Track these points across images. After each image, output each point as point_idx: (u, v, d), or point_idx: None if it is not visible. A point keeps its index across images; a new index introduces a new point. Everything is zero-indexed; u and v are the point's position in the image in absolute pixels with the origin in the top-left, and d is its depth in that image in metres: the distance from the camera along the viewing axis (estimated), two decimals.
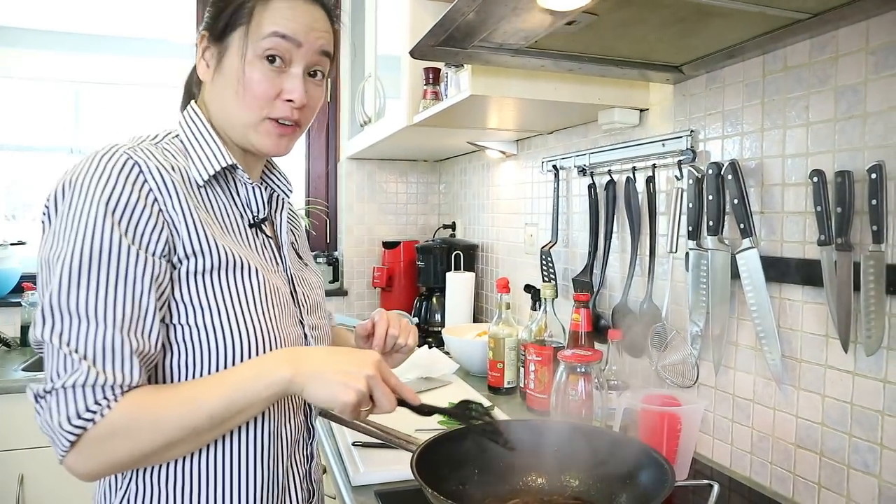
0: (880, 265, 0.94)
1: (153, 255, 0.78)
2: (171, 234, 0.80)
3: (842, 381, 1.04)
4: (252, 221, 0.94)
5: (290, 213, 1.09)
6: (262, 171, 1.03)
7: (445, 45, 1.14)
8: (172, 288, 0.81)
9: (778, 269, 1.14)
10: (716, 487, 0.96)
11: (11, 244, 2.64)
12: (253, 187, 0.94)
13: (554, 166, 1.86)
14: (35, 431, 2.01)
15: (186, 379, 0.82)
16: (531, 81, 1.41)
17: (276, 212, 1.00)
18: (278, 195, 1.02)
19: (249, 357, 0.83)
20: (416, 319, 2.42)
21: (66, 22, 2.92)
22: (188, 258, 0.81)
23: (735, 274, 1.20)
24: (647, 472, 0.96)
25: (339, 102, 3.04)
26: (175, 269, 0.80)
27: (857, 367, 1.01)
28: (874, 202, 0.94)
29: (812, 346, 1.09)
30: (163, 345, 0.80)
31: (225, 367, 0.82)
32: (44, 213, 0.79)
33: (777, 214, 1.15)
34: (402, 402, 0.87)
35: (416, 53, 1.19)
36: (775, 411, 1.17)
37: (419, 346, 2.11)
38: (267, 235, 0.96)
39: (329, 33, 0.92)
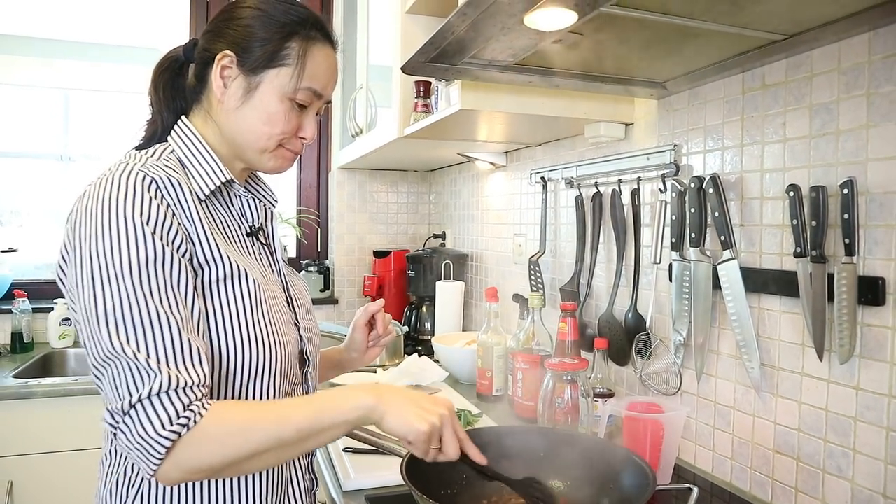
0: (852, 277, 0.98)
1: (187, 261, 0.83)
2: (190, 245, 0.84)
3: (817, 388, 1.08)
4: (249, 231, 0.99)
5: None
6: (246, 182, 1.06)
7: (436, 61, 1.18)
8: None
9: (757, 280, 1.18)
10: (695, 491, 0.99)
11: (3, 251, 2.64)
12: (247, 199, 1.00)
13: (542, 178, 1.90)
14: (25, 438, 2.03)
15: None
16: (519, 96, 1.44)
17: (266, 220, 1.04)
18: (265, 205, 1.05)
19: (256, 360, 0.88)
20: (405, 328, 2.45)
21: (56, 29, 2.94)
22: (202, 268, 0.86)
23: (716, 284, 1.24)
24: (629, 477, 0.99)
25: (330, 113, 3.07)
26: (196, 277, 0.85)
27: (832, 375, 1.05)
28: (846, 216, 0.98)
29: (789, 355, 1.13)
30: None
31: (235, 371, 0.86)
32: (69, 238, 0.81)
33: (756, 227, 1.19)
34: (465, 459, 0.90)
35: (407, 69, 1.22)
36: (755, 418, 1.20)
37: (409, 354, 2.14)
38: (262, 243, 1.01)
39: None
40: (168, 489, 0.86)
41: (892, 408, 0.96)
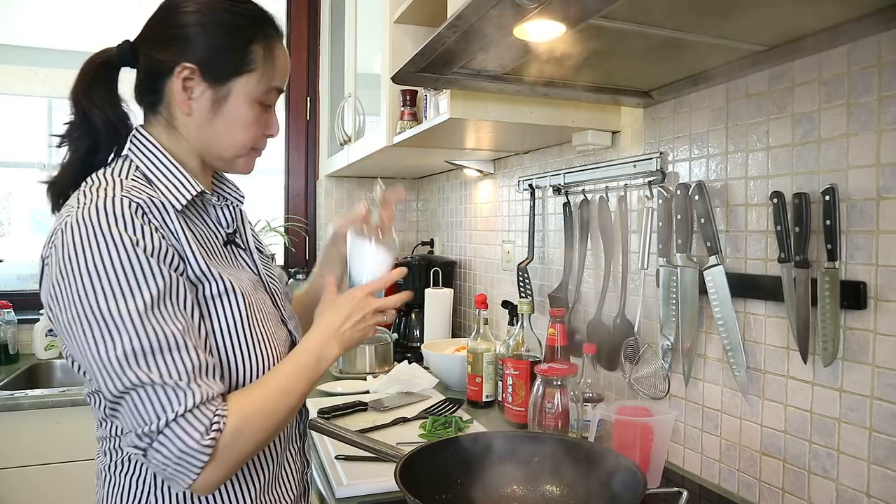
0: (835, 281, 1.01)
1: (185, 281, 0.84)
2: (183, 265, 0.85)
3: (802, 390, 1.10)
4: (226, 239, 0.99)
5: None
6: (212, 181, 1.04)
7: (426, 71, 1.19)
8: None
9: (742, 285, 1.20)
10: (685, 494, 1.01)
11: None
12: (220, 207, 0.99)
13: (530, 185, 1.92)
14: (12, 451, 2.01)
15: None
16: (508, 105, 1.46)
17: (239, 221, 1.03)
18: (232, 201, 1.04)
19: (253, 374, 0.90)
20: (394, 335, 2.45)
21: (39, 37, 2.93)
22: (195, 286, 0.86)
23: (703, 290, 1.26)
24: (620, 480, 1.01)
25: (318, 121, 3.08)
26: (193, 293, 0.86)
27: (816, 378, 1.07)
28: (828, 222, 1.01)
29: (775, 358, 1.15)
30: None
31: (230, 381, 0.88)
32: (58, 276, 0.78)
33: (741, 233, 1.22)
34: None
35: (398, 79, 1.24)
36: (741, 420, 1.23)
37: (398, 361, 2.15)
38: (241, 248, 1.02)
39: None
40: (170, 493, 0.87)
41: (874, 409, 0.98)
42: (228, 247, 0.99)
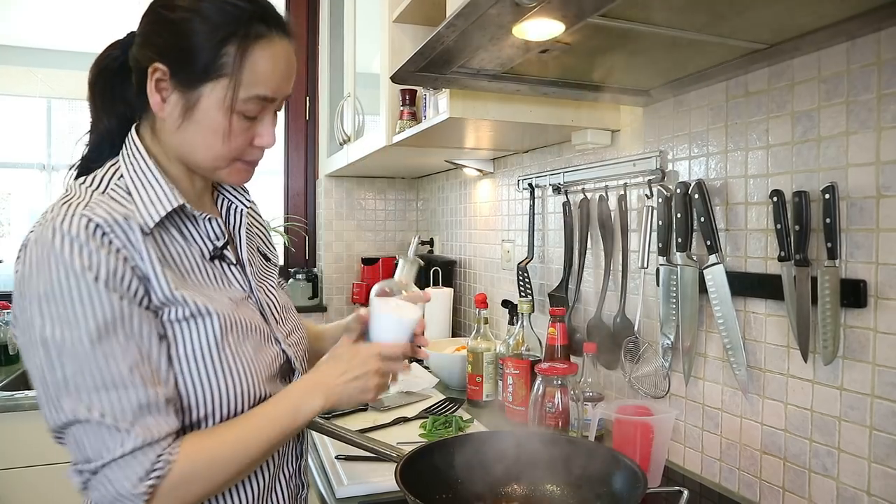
0: (835, 279, 1.01)
1: (145, 307, 0.78)
2: (146, 287, 0.79)
3: (802, 389, 1.10)
4: (212, 254, 0.91)
5: (254, 218, 1.06)
6: (215, 185, 0.99)
7: (425, 70, 1.19)
8: None
9: (742, 284, 1.20)
10: (685, 493, 1.01)
11: None
12: (208, 220, 0.91)
13: (529, 184, 1.91)
14: (11, 452, 2.00)
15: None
16: (507, 104, 1.46)
17: (235, 227, 0.98)
18: (236, 207, 0.99)
19: (223, 407, 0.84)
20: None
21: (38, 38, 2.93)
22: (160, 308, 0.80)
23: (703, 288, 1.26)
24: (620, 479, 1.01)
25: (317, 120, 3.08)
26: (156, 317, 0.81)
27: (816, 376, 1.07)
28: (828, 220, 1.01)
29: (775, 357, 1.15)
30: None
31: (197, 411, 0.82)
32: (17, 295, 0.76)
33: (741, 232, 1.22)
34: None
35: (397, 79, 1.24)
36: (742, 419, 1.22)
37: None
38: (230, 262, 0.94)
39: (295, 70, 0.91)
40: None
41: (874, 407, 0.98)
42: (215, 262, 0.91)
